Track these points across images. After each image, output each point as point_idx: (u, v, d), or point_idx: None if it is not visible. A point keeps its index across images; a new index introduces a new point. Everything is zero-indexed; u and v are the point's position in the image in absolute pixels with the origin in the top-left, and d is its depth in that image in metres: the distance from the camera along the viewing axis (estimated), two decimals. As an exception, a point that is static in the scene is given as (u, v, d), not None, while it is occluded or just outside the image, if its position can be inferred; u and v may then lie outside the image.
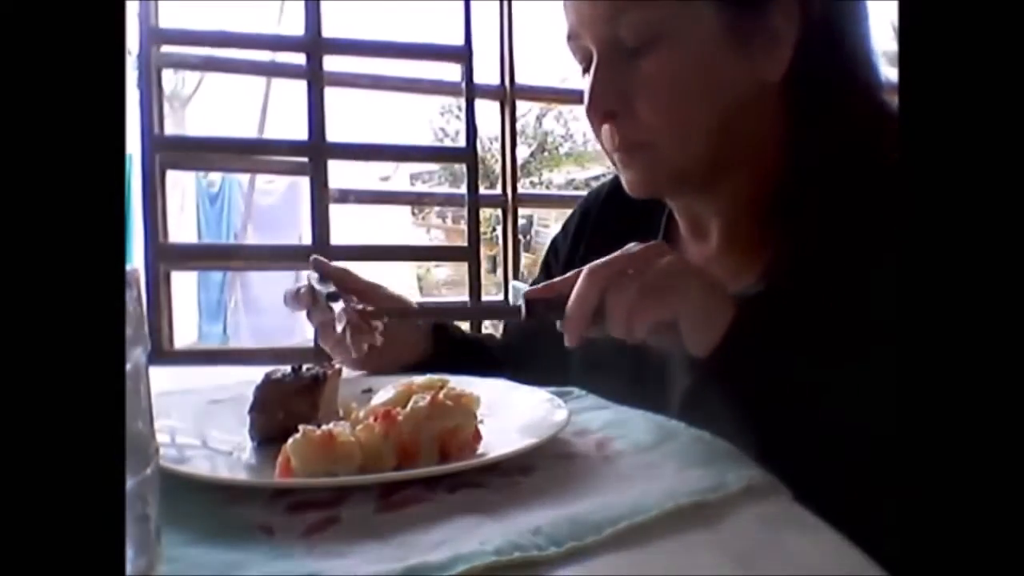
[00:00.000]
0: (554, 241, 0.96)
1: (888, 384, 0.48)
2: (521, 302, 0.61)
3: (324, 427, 0.49)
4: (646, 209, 0.81)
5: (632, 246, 0.60)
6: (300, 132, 2.28)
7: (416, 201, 4.23)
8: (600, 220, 0.89)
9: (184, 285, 4.55)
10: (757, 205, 0.72)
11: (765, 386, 0.57)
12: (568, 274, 0.59)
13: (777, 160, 0.71)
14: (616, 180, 0.89)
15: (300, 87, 2.28)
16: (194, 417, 0.58)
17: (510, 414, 0.58)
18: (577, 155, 9.17)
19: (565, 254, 0.91)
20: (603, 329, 0.57)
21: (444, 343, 0.84)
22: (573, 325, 0.57)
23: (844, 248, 0.64)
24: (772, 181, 0.71)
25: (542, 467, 0.49)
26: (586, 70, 0.72)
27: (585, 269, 0.57)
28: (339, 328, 0.65)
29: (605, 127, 0.71)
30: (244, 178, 5.20)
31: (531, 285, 1.00)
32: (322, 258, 0.78)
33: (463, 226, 2.56)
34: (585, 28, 0.70)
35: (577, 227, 0.91)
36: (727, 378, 0.58)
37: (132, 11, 2.11)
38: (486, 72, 2.52)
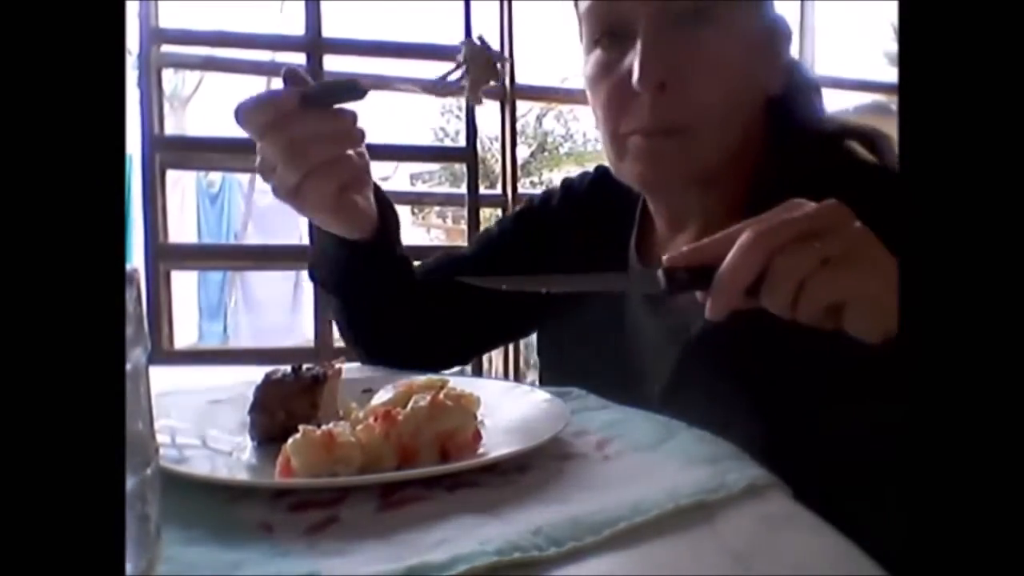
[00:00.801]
0: (529, 206, 0.93)
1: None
2: (660, 272, 0.51)
3: (324, 427, 0.49)
4: (627, 199, 0.81)
5: (799, 203, 0.50)
6: (300, 132, 2.28)
7: (416, 201, 4.22)
8: (582, 203, 0.87)
9: (184, 285, 4.56)
10: (733, 212, 0.71)
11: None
12: (717, 236, 0.50)
13: (756, 169, 0.72)
14: (602, 169, 0.87)
15: (300, 87, 2.28)
16: (194, 417, 0.58)
17: (510, 414, 0.58)
18: (577, 155, 9.16)
19: (536, 225, 0.90)
20: (754, 301, 0.49)
21: (386, 245, 0.77)
22: (725, 296, 0.48)
23: None
24: (751, 187, 0.72)
25: (542, 467, 0.49)
26: (610, 39, 0.69)
27: (748, 230, 0.48)
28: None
29: (632, 104, 0.68)
30: (244, 178, 5.20)
31: (483, 239, 0.94)
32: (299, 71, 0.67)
33: (463, 226, 2.56)
34: None
35: (560, 202, 0.90)
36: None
37: (132, 11, 2.11)
38: (486, 72, 2.52)
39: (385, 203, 0.77)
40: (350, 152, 0.68)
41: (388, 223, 0.77)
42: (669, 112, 0.67)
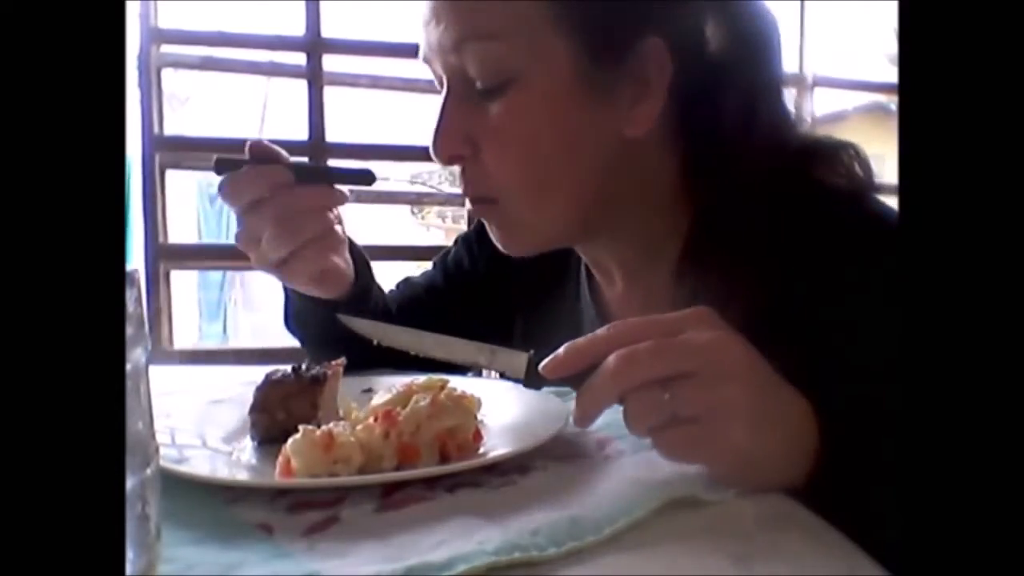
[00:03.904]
0: (468, 243, 0.89)
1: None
2: (524, 362, 0.50)
3: (324, 427, 0.49)
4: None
5: (687, 318, 0.45)
6: (300, 132, 2.28)
7: (416, 201, 4.23)
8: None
9: (184, 285, 4.56)
10: (661, 255, 0.66)
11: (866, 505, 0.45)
12: (592, 343, 0.46)
13: (678, 211, 0.65)
14: None
15: (300, 87, 2.28)
16: (194, 417, 0.58)
17: (510, 414, 0.58)
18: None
19: (474, 267, 0.87)
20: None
21: (362, 297, 0.77)
22: (586, 414, 0.46)
23: (748, 294, 0.57)
24: (674, 232, 0.65)
25: (542, 467, 0.49)
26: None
27: (612, 356, 0.43)
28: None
29: (457, 170, 0.64)
30: (244, 178, 5.18)
31: (434, 274, 0.91)
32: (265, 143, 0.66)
33: (463, 226, 2.56)
34: (433, 54, 0.62)
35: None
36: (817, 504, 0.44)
37: (132, 11, 2.11)
38: (486, 72, 2.52)
39: (358, 255, 0.77)
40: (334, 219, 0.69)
41: (362, 277, 0.77)
42: (474, 183, 0.64)
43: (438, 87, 0.65)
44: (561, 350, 0.46)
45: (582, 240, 0.68)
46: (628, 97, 0.61)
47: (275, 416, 0.55)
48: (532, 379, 0.50)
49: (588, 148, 0.62)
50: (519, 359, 0.50)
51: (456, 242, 0.93)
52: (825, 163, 0.63)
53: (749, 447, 0.43)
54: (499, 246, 0.68)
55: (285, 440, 0.49)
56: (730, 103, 0.62)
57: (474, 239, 0.90)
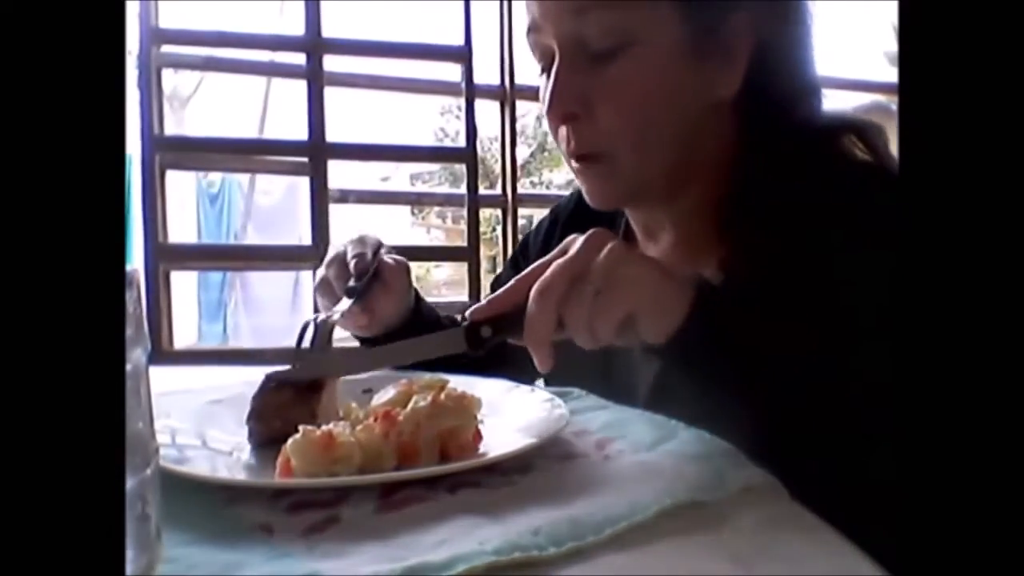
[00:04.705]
0: (525, 239, 0.97)
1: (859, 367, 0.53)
2: (462, 332, 0.56)
3: (324, 427, 0.49)
4: (608, 213, 0.82)
5: (571, 240, 0.55)
6: (300, 132, 2.28)
7: (416, 201, 4.24)
8: (569, 222, 0.90)
9: (184, 285, 4.56)
10: (709, 216, 0.72)
11: (730, 367, 0.56)
12: (509, 286, 0.55)
13: (727, 176, 0.71)
14: None
15: (300, 87, 2.28)
16: (194, 417, 0.58)
17: (510, 414, 0.58)
18: (577, 155, 9.12)
19: (536, 254, 0.92)
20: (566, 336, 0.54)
21: (418, 323, 0.87)
22: (538, 350, 0.53)
23: (789, 251, 0.64)
24: (722, 194, 0.71)
25: (542, 467, 0.49)
26: (545, 69, 0.71)
27: (533, 289, 0.53)
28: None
29: (563, 130, 0.70)
30: (244, 178, 5.21)
31: (496, 281, 1.00)
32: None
33: (463, 226, 2.56)
34: (548, 22, 0.68)
35: (548, 227, 0.93)
36: (691, 362, 0.56)
37: (132, 11, 2.11)
38: (486, 72, 2.53)
39: (418, 298, 0.90)
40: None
41: (403, 319, 0.87)
42: (585, 140, 0.69)
43: (537, 60, 0.72)
44: (483, 300, 0.56)
45: (660, 196, 0.73)
46: (718, 63, 0.68)
47: (272, 424, 0.54)
48: (473, 344, 0.55)
49: (686, 106, 0.69)
50: (455, 333, 0.56)
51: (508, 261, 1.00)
52: (853, 138, 0.71)
53: (656, 285, 0.54)
54: (592, 202, 0.74)
55: (284, 441, 0.48)
56: (782, 82, 0.70)
57: (520, 255, 0.96)
